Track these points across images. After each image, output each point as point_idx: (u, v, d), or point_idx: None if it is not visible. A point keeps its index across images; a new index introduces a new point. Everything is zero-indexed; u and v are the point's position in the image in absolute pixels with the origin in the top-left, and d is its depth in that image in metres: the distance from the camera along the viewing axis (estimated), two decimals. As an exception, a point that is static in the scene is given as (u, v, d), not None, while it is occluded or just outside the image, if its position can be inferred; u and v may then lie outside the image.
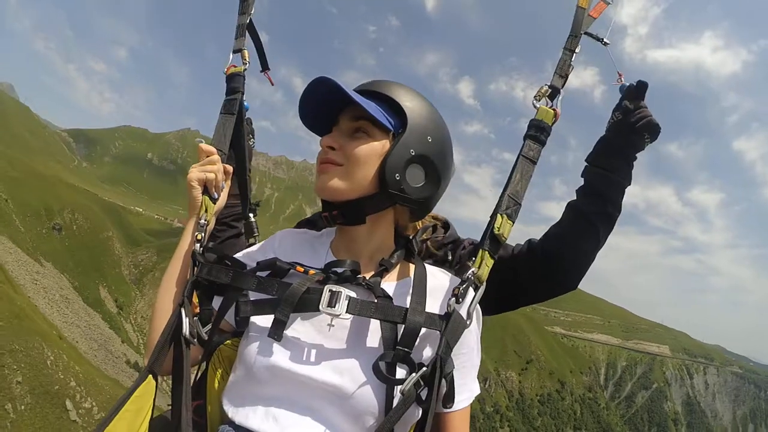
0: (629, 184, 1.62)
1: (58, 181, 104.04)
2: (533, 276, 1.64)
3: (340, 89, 1.24)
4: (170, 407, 1.21)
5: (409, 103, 1.30)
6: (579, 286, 1.71)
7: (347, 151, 1.27)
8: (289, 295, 1.16)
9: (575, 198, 1.66)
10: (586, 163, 1.67)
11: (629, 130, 1.58)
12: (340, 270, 1.25)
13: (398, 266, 1.37)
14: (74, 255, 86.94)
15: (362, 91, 1.33)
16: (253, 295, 1.26)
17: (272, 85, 1.93)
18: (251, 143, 2.01)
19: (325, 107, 1.34)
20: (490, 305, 1.55)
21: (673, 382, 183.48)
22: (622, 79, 1.64)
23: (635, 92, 1.60)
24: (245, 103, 1.78)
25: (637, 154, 1.63)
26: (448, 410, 1.22)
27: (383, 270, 1.31)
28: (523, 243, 1.71)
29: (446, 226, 1.82)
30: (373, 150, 1.27)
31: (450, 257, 1.67)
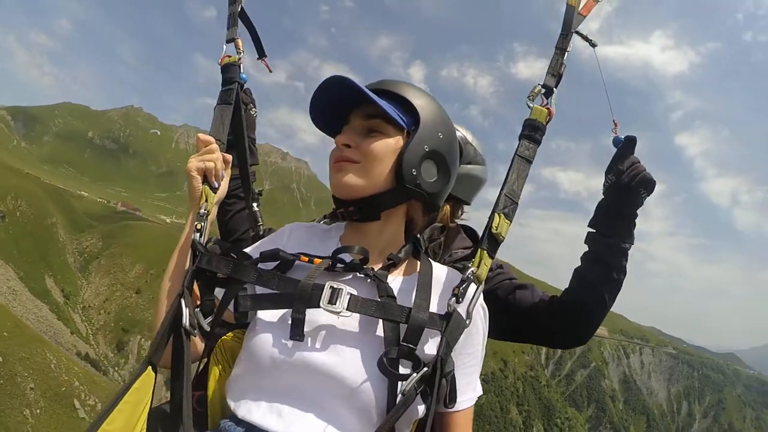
0: (632, 244, 1.65)
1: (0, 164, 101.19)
2: (548, 334, 1.76)
3: (358, 89, 1.26)
4: (169, 398, 1.20)
5: (419, 101, 1.33)
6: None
7: (363, 148, 1.29)
8: (302, 292, 1.15)
9: (580, 264, 1.71)
10: (588, 229, 1.71)
11: (625, 191, 1.60)
12: (348, 259, 1.27)
13: (405, 262, 1.39)
14: (19, 243, 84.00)
15: (372, 90, 1.33)
16: (257, 288, 1.27)
17: (270, 72, 1.99)
18: (253, 112, 2.07)
19: (335, 106, 1.36)
20: (500, 331, 1.61)
21: (611, 361, 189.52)
22: (617, 130, 1.66)
23: (624, 149, 1.63)
24: (243, 75, 1.83)
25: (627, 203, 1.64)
26: (451, 410, 1.23)
27: (391, 264, 1.31)
28: (548, 295, 1.78)
29: (473, 236, 1.92)
30: (388, 147, 1.29)
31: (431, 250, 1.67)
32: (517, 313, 1.74)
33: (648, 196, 1.63)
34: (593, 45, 1.63)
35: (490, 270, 1.62)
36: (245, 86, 2.00)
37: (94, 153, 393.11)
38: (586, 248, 1.72)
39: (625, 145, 1.63)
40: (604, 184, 1.68)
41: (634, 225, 1.66)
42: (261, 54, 1.92)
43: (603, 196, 1.69)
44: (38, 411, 25.07)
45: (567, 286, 1.74)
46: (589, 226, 1.71)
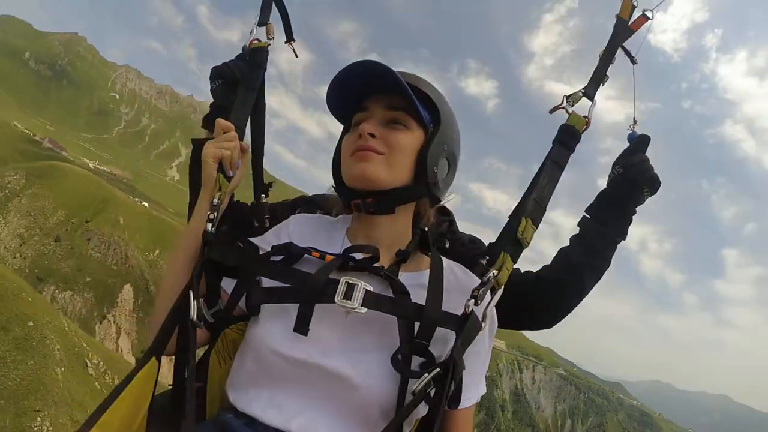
0: (623, 239, 1.62)
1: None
2: (519, 309, 1.63)
3: (395, 79, 1.22)
4: (170, 387, 1.19)
5: (438, 99, 1.33)
6: None
7: (389, 140, 1.25)
8: (312, 287, 1.13)
9: (568, 245, 1.67)
10: (584, 214, 1.67)
11: (630, 184, 1.57)
12: (358, 256, 1.23)
13: (414, 257, 1.35)
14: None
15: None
16: (266, 281, 1.23)
17: (296, 57, 1.89)
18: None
19: (353, 88, 1.31)
20: None
21: (504, 373, 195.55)
22: (636, 127, 1.64)
23: (637, 146, 1.61)
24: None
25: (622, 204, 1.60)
26: (453, 408, 1.20)
27: (400, 260, 1.29)
28: (520, 270, 1.69)
29: (446, 215, 1.84)
30: (412, 141, 1.27)
31: (447, 246, 1.65)
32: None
33: (650, 195, 1.61)
34: (634, 62, 1.62)
35: (462, 243, 1.67)
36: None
37: (27, 76, 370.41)
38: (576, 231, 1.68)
39: (639, 142, 1.61)
40: (609, 175, 1.66)
41: (630, 221, 1.63)
42: (290, 38, 1.87)
43: (606, 186, 1.65)
44: (63, 369, 26.67)
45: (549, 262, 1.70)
46: (586, 211, 1.67)
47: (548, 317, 1.68)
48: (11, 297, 26.72)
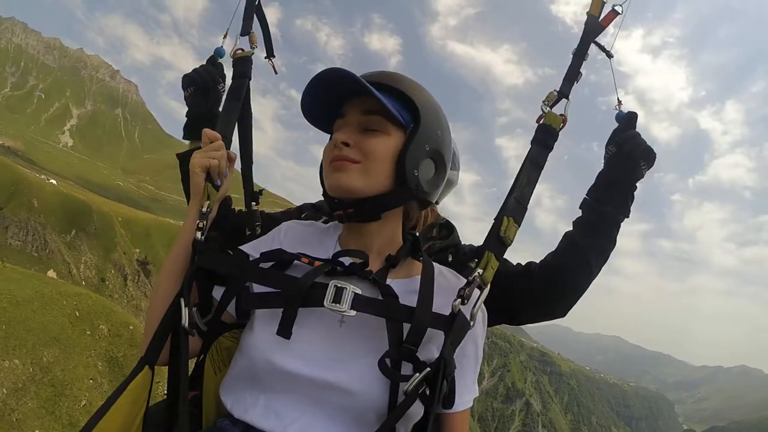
0: (626, 217, 1.60)
1: None
2: (528, 300, 1.61)
3: (362, 84, 1.18)
4: (165, 396, 1.18)
5: (418, 97, 1.27)
6: None
7: (364, 147, 1.22)
8: (297, 290, 1.13)
9: (572, 228, 1.64)
10: (585, 196, 1.64)
11: (625, 160, 1.56)
12: (347, 262, 1.23)
13: (405, 263, 1.34)
14: None
15: (369, 82, 1.21)
16: (255, 287, 1.24)
17: (276, 73, 1.88)
18: (221, 88, 1.76)
19: (326, 98, 1.28)
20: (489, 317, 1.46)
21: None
22: (621, 107, 1.65)
23: (626, 123, 1.61)
24: (221, 48, 1.69)
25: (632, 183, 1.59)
26: (448, 411, 1.18)
27: (390, 266, 1.28)
28: (523, 263, 1.68)
29: (450, 228, 1.84)
30: (389, 146, 1.22)
31: (450, 260, 1.65)
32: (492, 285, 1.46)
33: (648, 169, 1.59)
34: (610, 56, 1.62)
35: (464, 254, 1.69)
36: (219, 60, 1.76)
37: None
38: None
39: (627, 120, 1.62)
40: (604, 156, 1.64)
41: (632, 198, 1.60)
42: (270, 54, 1.84)
43: (603, 167, 1.64)
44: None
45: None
46: (587, 194, 1.65)
47: (559, 305, 1.65)
48: (109, 312, 31.99)
